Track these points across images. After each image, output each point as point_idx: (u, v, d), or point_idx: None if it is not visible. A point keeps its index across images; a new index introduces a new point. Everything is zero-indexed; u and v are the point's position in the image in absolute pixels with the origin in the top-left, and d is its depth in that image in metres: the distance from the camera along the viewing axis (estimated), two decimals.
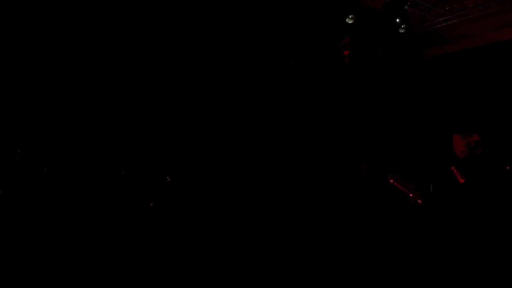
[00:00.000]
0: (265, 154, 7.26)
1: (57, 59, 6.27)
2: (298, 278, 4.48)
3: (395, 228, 5.79)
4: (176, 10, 6.97)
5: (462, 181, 6.25)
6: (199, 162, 7.00)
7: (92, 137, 6.33)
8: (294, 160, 7.26)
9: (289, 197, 6.60)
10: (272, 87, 7.63)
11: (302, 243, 5.34)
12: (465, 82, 7.40)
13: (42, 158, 5.98)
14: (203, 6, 7.04)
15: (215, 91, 7.35)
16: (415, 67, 8.07)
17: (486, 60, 7.29)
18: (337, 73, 7.95)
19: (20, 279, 4.27)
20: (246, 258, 4.94)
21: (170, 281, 4.45)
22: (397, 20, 7.42)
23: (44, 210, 5.56)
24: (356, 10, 7.52)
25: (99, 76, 6.56)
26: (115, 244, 5.17)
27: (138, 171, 6.50)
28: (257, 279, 4.47)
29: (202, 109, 7.27)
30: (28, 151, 5.92)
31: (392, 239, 5.57)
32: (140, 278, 4.47)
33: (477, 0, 7.38)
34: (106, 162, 6.25)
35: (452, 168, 6.36)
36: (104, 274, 4.49)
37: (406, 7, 7.44)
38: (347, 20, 7.41)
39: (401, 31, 7.59)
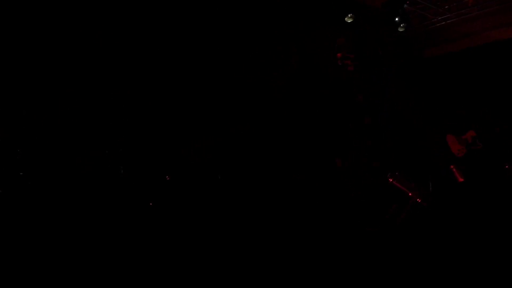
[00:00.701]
0: (265, 153, 7.26)
1: (57, 59, 6.28)
2: (298, 277, 4.49)
3: (395, 228, 5.79)
4: (176, 10, 6.98)
5: (461, 180, 6.25)
6: (199, 161, 7.00)
7: (92, 137, 6.34)
8: (294, 160, 7.26)
9: (289, 197, 6.60)
10: (272, 87, 7.63)
11: (302, 243, 5.34)
12: (464, 81, 7.39)
13: (42, 158, 6.00)
14: (203, 6, 7.05)
15: (215, 91, 7.36)
16: (415, 67, 8.06)
17: (486, 59, 7.27)
18: (337, 73, 7.96)
19: (20, 278, 4.29)
20: (246, 257, 4.94)
21: (170, 280, 4.45)
22: (397, 19, 7.42)
23: (44, 209, 5.57)
24: (356, 10, 7.52)
25: (99, 76, 6.56)
26: (115, 243, 5.18)
27: (137, 171, 6.51)
28: (257, 278, 4.48)
29: (202, 109, 7.28)
30: (28, 151, 5.94)
31: (392, 239, 5.56)
32: (140, 276, 4.48)
33: None
34: (106, 162, 6.26)
35: (451, 167, 6.36)
36: (104, 272, 4.51)
37: (405, 6, 7.44)
38: (346, 19, 7.41)
39: (401, 30, 7.58)
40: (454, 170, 6.33)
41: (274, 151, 7.29)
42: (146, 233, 5.48)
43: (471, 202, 6.01)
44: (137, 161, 6.58)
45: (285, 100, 7.63)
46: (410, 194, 6.15)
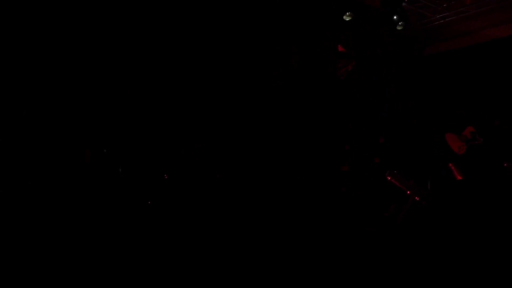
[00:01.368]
0: (265, 153, 7.26)
1: (57, 59, 6.29)
2: (297, 277, 4.48)
3: (395, 227, 5.77)
4: (176, 9, 7.00)
5: (460, 178, 6.23)
6: (199, 161, 7.01)
7: (91, 137, 6.36)
8: (294, 160, 7.25)
9: (289, 197, 6.59)
10: (272, 87, 7.63)
11: (302, 243, 5.33)
12: (463, 79, 7.36)
13: (42, 158, 6.02)
14: (203, 6, 7.07)
15: (215, 91, 7.36)
16: (414, 66, 8.04)
17: (485, 57, 7.25)
18: (337, 73, 7.96)
19: (20, 277, 4.30)
20: (245, 256, 4.94)
21: (169, 278, 4.46)
22: (395, 17, 7.42)
23: (43, 208, 5.58)
24: (355, 9, 7.52)
25: (99, 76, 6.58)
26: (114, 241, 5.19)
27: (136, 170, 6.51)
28: (257, 277, 4.47)
29: (202, 109, 7.28)
30: (28, 151, 5.96)
31: (391, 238, 5.55)
32: (140, 274, 4.48)
33: None
34: (105, 162, 6.28)
35: (450, 165, 6.34)
36: (103, 270, 4.52)
37: (404, 4, 7.44)
38: (344, 17, 7.41)
39: (399, 28, 7.59)
40: (453, 168, 6.31)
41: (274, 151, 7.29)
42: (145, 232, 5.49)
43: (470, 200, 5.99)
44: (136, 160, 6.59)
45: (285, 100, 7.63)
46: (408, 192, 6.14)
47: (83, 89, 6.49)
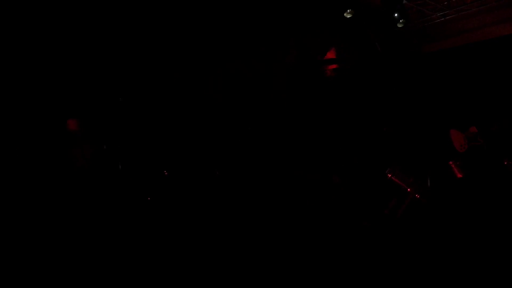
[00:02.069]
0: (264, 149, 7.23)
1: (56, 57, 6.27)
2: (296, 273, 4.47)
3: (394, 223, 5.77)
4: (175, 5, 6.96)
5: (460, 176, 6.23)
6: (198, 158, 6.97)
7: (90, 132, 6.30)
8: (293, 155, 7.23)
9: (288, 192, 6.58)
10: (271, 82, 7.60)
11: (300, 238, 5.32)
12: (464, 77, 7.37)
13: (41, 154, 5.96)
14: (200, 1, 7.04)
15: (215, 86, 7.33)
16: (414, 63, 8.04)
17: (485, 55, 7.25)
18: (336, 70, 7.94)
19: (20, 274, 4.26)
20: (244, 251, 4.93)
21: (169, 275, 4.43)
22: (396, 15, 7.40)
23: (42, 206, 5.54)
24: (356, 6, 7.49)
25: (97, 73, 6.55)
26: (112, 237, 5.16)
27: (136, 167, 6.47)
28: (255, 271, 4.46)
29: (202, 104, 7.24)
30: (27, 148, 5.90)
31: (390, 234, 5.55)
32: (139, 270, 4.46)
33: None
34: (104, 158, 6.23)
35: (450, 163, 6.34)
36: (102, 267, 4.49)
37: (404, 1, 7.42)
38: (345, 14, 7.38)
39: (399, 26, 7.57)
40: (453, 166, 6.31)
41: (273, 146, 7.26)
42: (144, 228, 5.46)
43: (470, 197, 6.00)
44: (135, 157, 6.55)
45: (285, 95, 7.61)
46: (408, 189, 6.13)
47: (81, 86, 6.45)
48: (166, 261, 4.74)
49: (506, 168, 6.08)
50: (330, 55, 8.05)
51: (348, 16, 7.39)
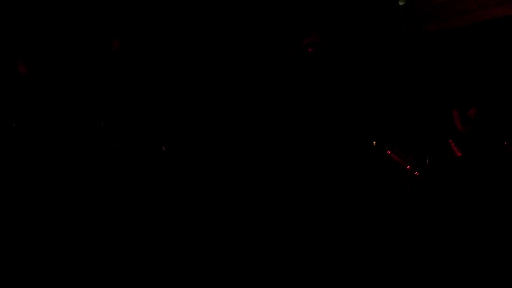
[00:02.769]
0: (264, 147, 7.14)
1: (56, 56, 6.18)
2: (296, 273, 4.46)
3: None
4: (175, 5, 6.97)
5: (459, 154, 6.23)
6: (196, 156, 6.87)
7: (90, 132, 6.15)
8: (293, 154, 7.14)
9: (287, 191, 6.52)
10: (271, 82, 7.52)
11: (301, 239, 5.33)
12: (468, 56, 7.32)
13: (39, 154, 5.84)
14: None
15: (215, 86, 7.22)
16: (415, 42, 7.97)
17: (490, 35, 7.20)
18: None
19: (20, 274, 4.17)
20: (244, 251, 4.92)
21: (169, 275, 4.41)
22: None
23: (43, 205, 5.44)
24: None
25: (97, 73, 6.42)
26: (113, 237, 5.14)
27: (135, 165, 6.35)
28: (255, 271, 4.44)
29: (201, 102, 7.13)
30: (26, 148, 5.81)
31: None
32: (140, 270, 4.42)
33: None
34: (103, 158, 6.07)
35: (450, 141, 6.34)
36: (104, 266, 4.44)
37: None
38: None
39: (401, 3, 7.50)
40: (453, 144, 6.31)
41: (273, 145, 7.18)
42: (144, 228, 5.46)
43: (469, 177, 6.01)
44: (134, 154, 6.42)
45: (285, 94, 7.53)
46: (408, 167, 6.15)
47: (82, 85, 6.33)
48: (166, 261, 4.77)
49: (506, 148, 6.09)
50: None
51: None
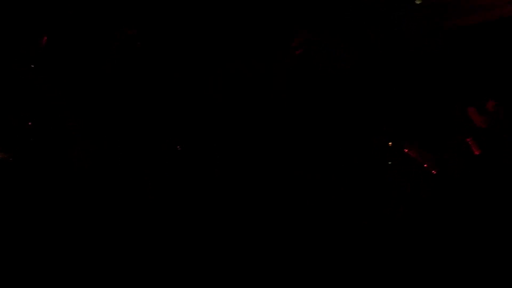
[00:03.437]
0: (265, 149, 7.15)
1: (56, 56, 6.08)
2: (296, 273, 4.47)
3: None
4: (175, 5, 6.90)
5: (477, 152, 6.15)
6: (195, 156, 6.90)
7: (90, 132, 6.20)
8: (293, 154, 7.14)
9: (287, 191, 6.52)
10: (271, 82, 7.52)
11: (301, 239, 5.33)
12: (487, 53, 7.25)
13: (39, 154, 5.83)
14: None
15: (215, 86, 7.26)
16: (433, 39, 7.92)
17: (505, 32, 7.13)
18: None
19: (20, 274, 4.24)
20: (244, 250, 4.93)
21: (169, 275, 4.43)
22: None
23: (43, 205, 5.37)
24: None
25: (97, 73, 6.37)
26: (113, 237, 5.16)
27: (134, 164, 6.36)
28: (255, 271, 4.45)
29: (201, 102, 7.18)
30: (25, 148, 5.71)
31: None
32: (139, 270, 4.46)
33: None
34: (103, 158, 6.11)
35: (468, 139, 6.26)
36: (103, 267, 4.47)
37: None
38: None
39: (417, 2, 7.49)
40: (471, 142, 6.22)
41: (273, 146, 7.19)
42: (144, 229, 5.43)
43: (488, 174, 5.95)
44: (133, 154, 6.42)
45: (286, 93, 7.52)
46: (425, 165, 6.10)
47: (82, 85, 6.33)
48: (166, 261, 4.77)
49: None
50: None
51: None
